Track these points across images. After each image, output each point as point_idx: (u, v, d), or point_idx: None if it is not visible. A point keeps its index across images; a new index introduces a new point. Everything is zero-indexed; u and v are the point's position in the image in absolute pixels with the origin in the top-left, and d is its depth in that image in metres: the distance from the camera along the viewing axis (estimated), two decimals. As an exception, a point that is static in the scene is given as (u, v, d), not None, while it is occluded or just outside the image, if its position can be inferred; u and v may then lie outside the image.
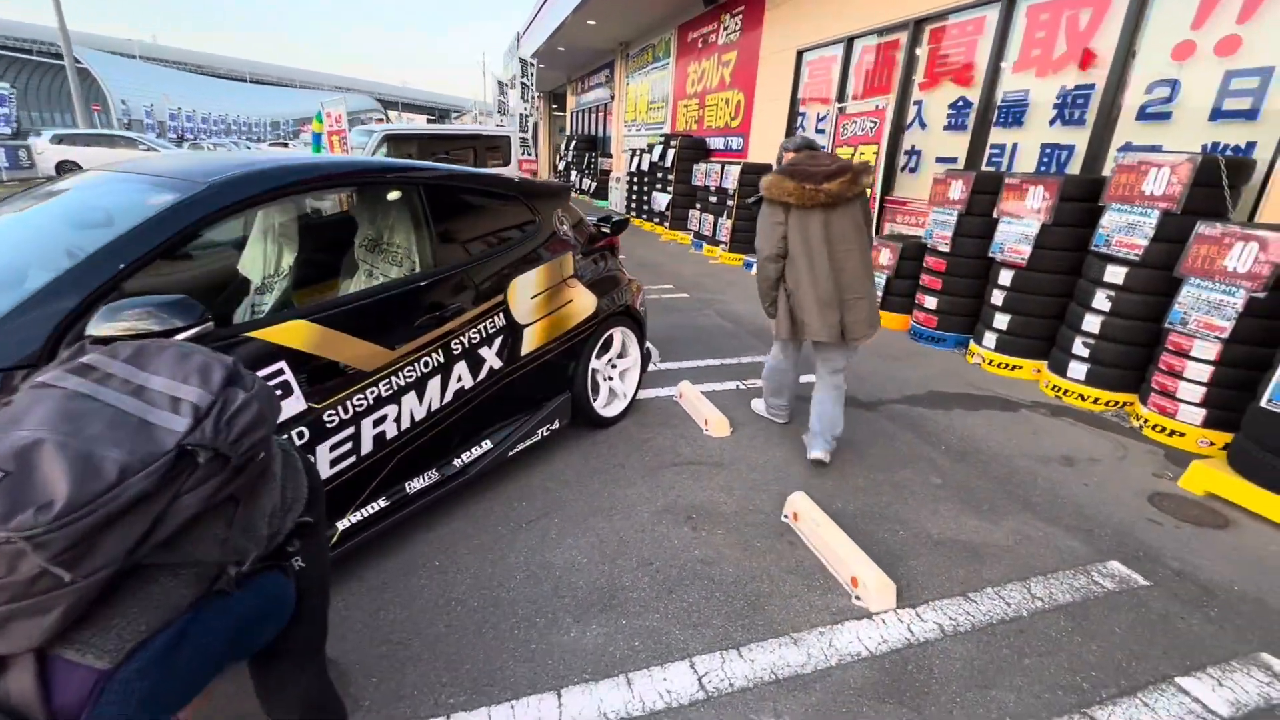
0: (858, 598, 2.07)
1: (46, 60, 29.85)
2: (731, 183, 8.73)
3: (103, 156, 14.72)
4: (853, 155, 6.52)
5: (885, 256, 5.52)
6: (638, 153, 12.22)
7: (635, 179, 12.40)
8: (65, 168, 16.08)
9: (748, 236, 8.43)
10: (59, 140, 16.61)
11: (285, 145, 28.37)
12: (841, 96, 7.51)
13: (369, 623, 1.92)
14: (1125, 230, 3.60)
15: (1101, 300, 3.72)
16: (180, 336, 1.43)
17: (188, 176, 1.83)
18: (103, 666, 0.78)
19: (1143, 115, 4.34)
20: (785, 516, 2.52)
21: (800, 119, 8.55)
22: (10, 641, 0.73)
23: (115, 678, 0.79)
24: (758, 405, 3.55)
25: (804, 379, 3.89)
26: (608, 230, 3.39)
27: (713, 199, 9.28)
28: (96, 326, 1.41)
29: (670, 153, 10.73)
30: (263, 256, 2.80)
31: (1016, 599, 2.10)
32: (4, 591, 0.71)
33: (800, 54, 8.40)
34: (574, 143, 18.64)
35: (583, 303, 2.99)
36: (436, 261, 2.37)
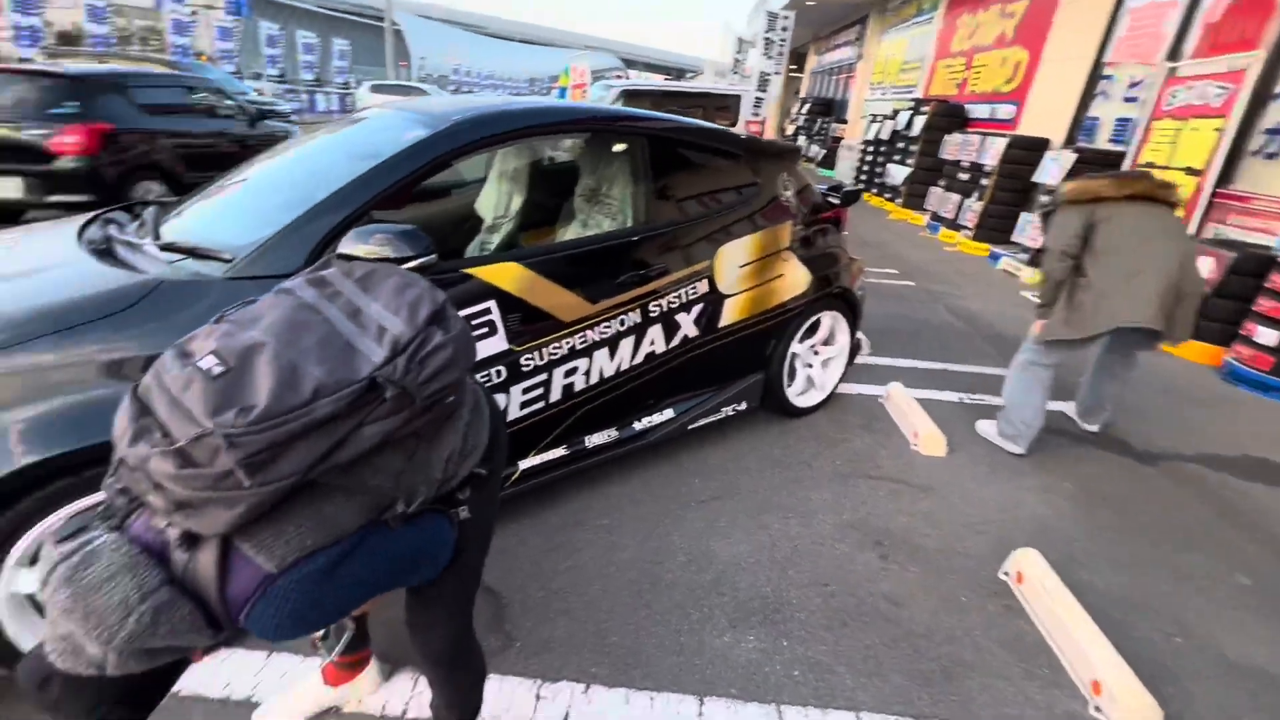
0: (1098, 709, 1.59)
1: (370, 22, 36.43)
2: (992, 158, 7.44)
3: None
4: (1179, 130, 5.05)
5: (1203, 267, 4.23)
6: (879, 119, 11.06)
7: (870, 148, 11.28)
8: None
9: (1001, 225, 7.16)
10: (375, 89, 20.24)
11: (538, 100, 31.14)
12: (1175, 54, 5.83)
13: (535, 562, 1.97)
14: None
15: None
16: (407, 266, 1.51)
17: (440, 115, 1.94)
18: (269, 569, 0.81)
19: None
20: (1005, 573, 2.05)
21: (1102, 83, 6.88)
22: (203, 523, 0.77)
23: (277, 582, 0.81)
24: (986, 428, 2.96)
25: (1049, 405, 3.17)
26: (836, 201, 3.01)
27: (963, 176, 8.03)
28: (347, 246, 1.54)
29: (919, 120, 9.49)
30: (495, 198, 2.98)
31: (1371, 792, 1.44)
32: (201, 480, 0.74)
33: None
34: (807, 105, 17.56)
35: (794, 279, 2.70)
36: (649, 218, 2.27)
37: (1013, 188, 7.20)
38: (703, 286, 2.37)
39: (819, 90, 19.20)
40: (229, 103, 6.27)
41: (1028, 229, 6.57)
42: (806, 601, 1.89)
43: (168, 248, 1.67)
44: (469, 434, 1.03)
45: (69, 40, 15.73)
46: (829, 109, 16.96)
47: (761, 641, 1.74)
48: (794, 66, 23.67)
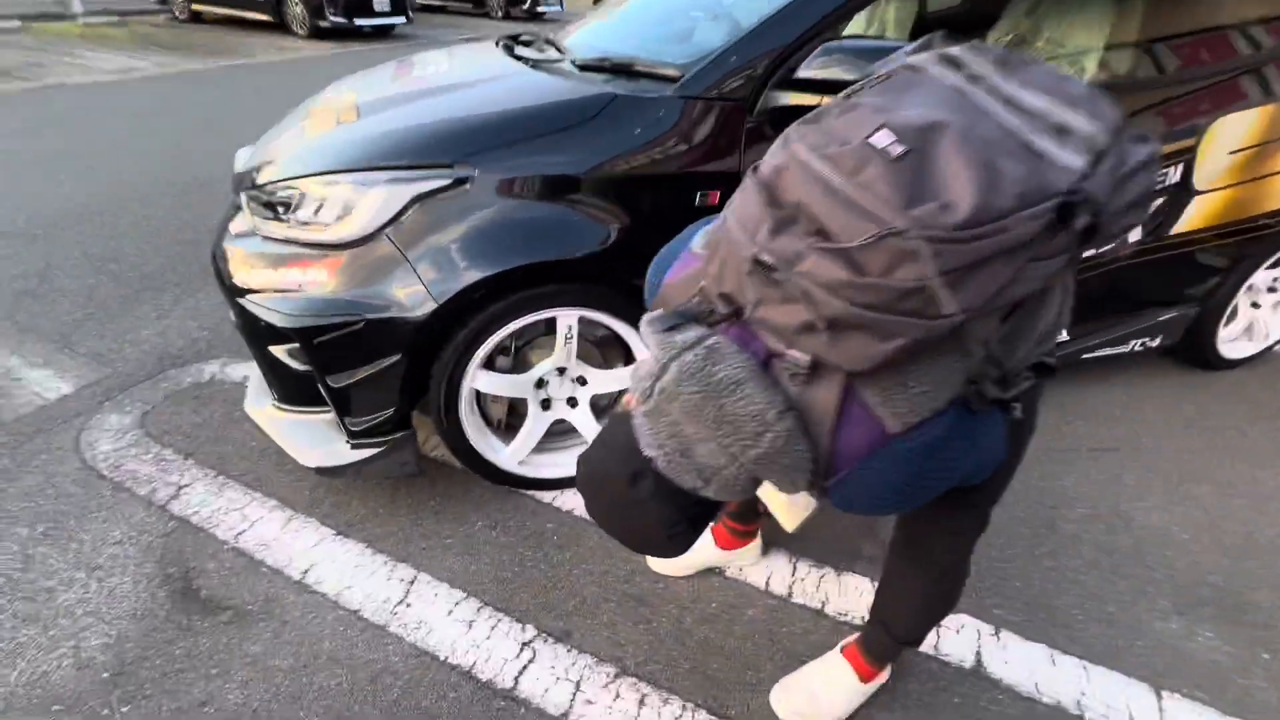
0: None
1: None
2: None
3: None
4: None
5: None
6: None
7: None
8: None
9: None
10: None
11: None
12: None
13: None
14: None
15: None
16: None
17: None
18: (890, 428, 0.63)
19: None
20: None
21: None
22: (842, 353, 0.59)
23: (892, 445, 0.64)
24: None
25: None
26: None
27: None
28: (809, 66, 1.29)
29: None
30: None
31: None
32: (870, 292, 0.54)
33: None
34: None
35: (1295, 180, 1.91)
36: (1128, 69, 1.69)
37: None
38: (1174, 175, 1.75)
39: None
40: None
41: None
42: (1286, 610, 1.42)
43: (585, 68, 1.57)
44: (1061, 311, 0.75)
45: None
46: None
47: (1226, 644, 1.34)
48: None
